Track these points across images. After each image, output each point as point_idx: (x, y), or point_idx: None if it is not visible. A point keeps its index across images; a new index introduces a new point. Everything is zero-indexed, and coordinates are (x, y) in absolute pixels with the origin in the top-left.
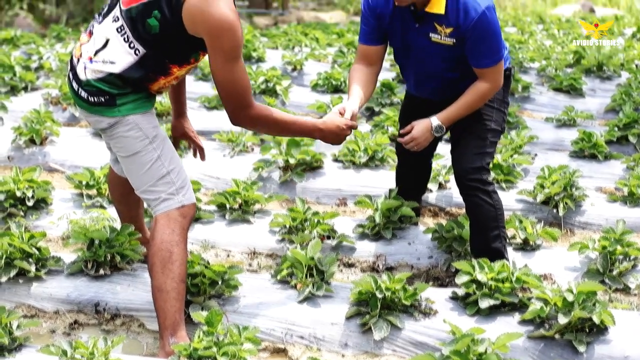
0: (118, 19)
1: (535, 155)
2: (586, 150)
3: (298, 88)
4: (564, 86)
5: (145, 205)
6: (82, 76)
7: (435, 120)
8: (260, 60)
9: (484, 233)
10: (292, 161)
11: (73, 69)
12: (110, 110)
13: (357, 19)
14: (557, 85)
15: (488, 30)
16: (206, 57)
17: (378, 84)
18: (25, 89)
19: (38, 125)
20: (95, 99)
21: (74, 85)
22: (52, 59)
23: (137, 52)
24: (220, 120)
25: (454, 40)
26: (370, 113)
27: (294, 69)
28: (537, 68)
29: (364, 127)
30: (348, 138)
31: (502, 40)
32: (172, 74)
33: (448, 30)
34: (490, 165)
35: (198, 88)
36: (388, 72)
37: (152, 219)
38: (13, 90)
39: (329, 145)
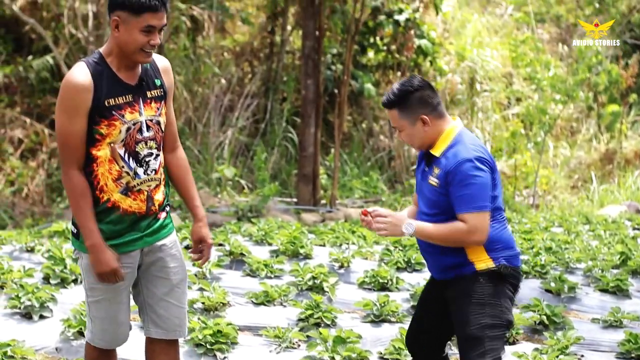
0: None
1: (582, 356)
2: (633, 352)
3: (345, 285)
4: (610, 287)
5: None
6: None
7: (411, 220)
8: (307, 257)
9: None
10: (337, 358)
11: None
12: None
13: None
14: (603, 286)
15: (469, 178)
16: None
17: (424, 282)
18: (75, 281)
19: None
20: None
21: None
22: None
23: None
24: (267, 316)
25: (438, 182)
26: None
27: (341, 266)
28: (584, 269)
29: None
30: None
31: (485, 192)
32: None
33: (437, 171)
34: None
35: (245, 284)
36: None
37: None
38: (63, 282)
39: (375, 343)
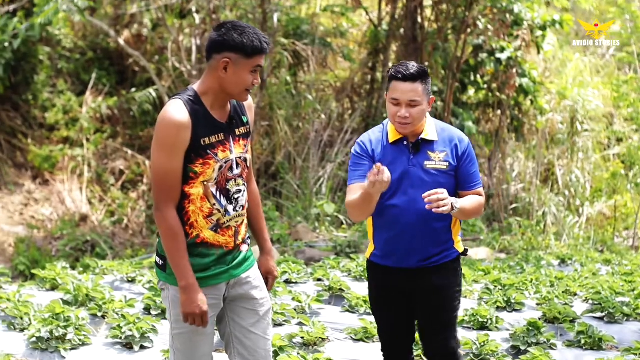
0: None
1: None
2: None
3: None
4: None
5: None
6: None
7: (454, 198)
8: None
9: None
10: None
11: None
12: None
13: (502, 255)
14: None
15: (474, 156)
16: None
17: (524, 322)
18: None
19: None
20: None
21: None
22: None
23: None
24: (366, 352)
25: (448, 163)
26: (516, 352)
27: None
28: None
29: None
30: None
31: None
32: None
33: (442, 155)
34: None
35: (344, 319)
36: (534, 310)
37: None
38: (164, 313)
39: None
